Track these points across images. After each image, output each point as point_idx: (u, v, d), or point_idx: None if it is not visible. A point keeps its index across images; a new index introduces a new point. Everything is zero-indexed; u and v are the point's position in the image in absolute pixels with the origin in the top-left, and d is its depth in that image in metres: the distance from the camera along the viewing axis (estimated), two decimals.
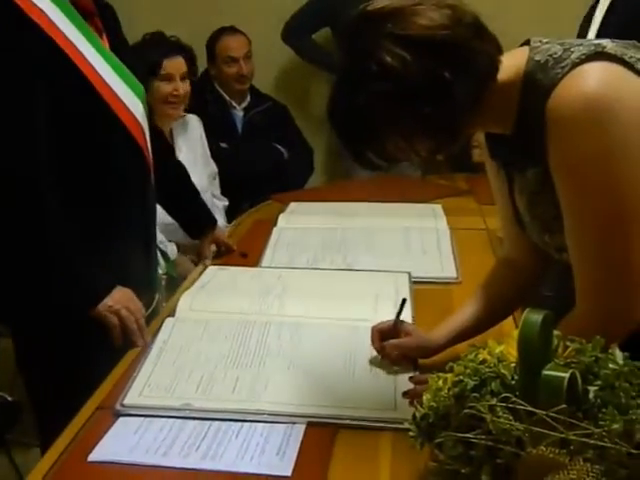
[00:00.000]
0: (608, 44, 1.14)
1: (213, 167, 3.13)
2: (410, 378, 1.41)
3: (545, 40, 1.19)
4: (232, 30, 3.57)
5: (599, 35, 1.93)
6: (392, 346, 1.47)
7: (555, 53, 1.15)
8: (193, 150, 2.95)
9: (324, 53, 3.83)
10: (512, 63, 1.16)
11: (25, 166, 1.54)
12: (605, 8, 1.98)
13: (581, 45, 1.15)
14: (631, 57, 1.13)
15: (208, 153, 3.11)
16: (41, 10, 1.56)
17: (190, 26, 3.54)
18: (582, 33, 2.07)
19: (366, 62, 1.11)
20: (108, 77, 1.65)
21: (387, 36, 1.10)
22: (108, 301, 1.59)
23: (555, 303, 1.58)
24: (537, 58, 1.16)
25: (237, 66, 3.50)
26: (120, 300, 1.61)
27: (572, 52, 1.13)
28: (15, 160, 1.54)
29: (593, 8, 2.05)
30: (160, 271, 2.27)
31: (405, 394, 1.36)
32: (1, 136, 1.54)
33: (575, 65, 1.11)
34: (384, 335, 1.49)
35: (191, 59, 2.93)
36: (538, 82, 1.14)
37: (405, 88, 1.10)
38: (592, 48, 1.13)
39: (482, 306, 1.43)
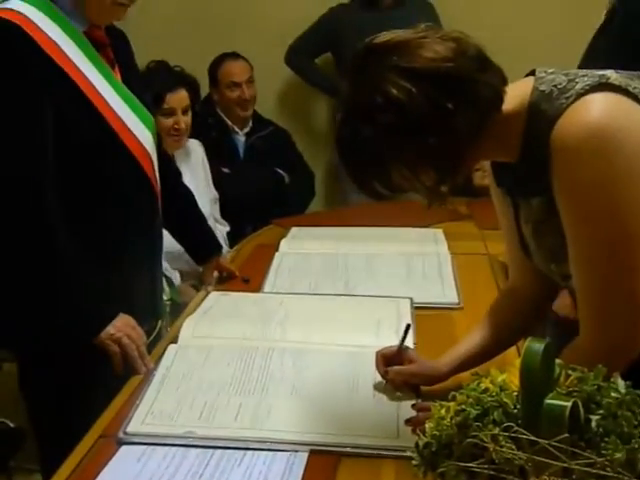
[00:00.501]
0: (612, 75, 1.16)
1: (214, 192, 3.15)
2: (413, 406, 1.41)
3: (550, 70, 1.20)
4: (234, 56, 3.61)
5: (587, 59, 1.92)
6: (395, 372, 1.47)
7: (560, 84, 1.16)
8: (196, 175, 2.97)
9: (326, 77, 3.88)
10: (517, 93, 1.18)
11: (31, 193, 1.56)
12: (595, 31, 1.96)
13: (585, 76, 1.16)
14: (635, 88, 1.14)
15: (210, 178, 3.13)
16: (54, 42, 1.58)
17: (192, 51, 3.57)
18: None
19: (372, 94, 1.12)
20: (118, 108, 1.67)
21: (392, 69, 1.12)
22: (110, 329, 1.60)
23: (557, 330, 1.59)
24: (542, 88, 1.17)
25: (239, 91, 3.53)
26: (122, 328, 1.61)
27: (577, 83, 1.15)
28: (22, 187, 1.55)
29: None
30: (165, 297, 2.27)
31: (408, 422, 1.36)
32: (9, 164, 1.55)
33: (579, 95, 1.13)
34: (388, 360, 1.50)
35: (194, 90, 2.95)
36: (543, 112, 1.15)
37: (410, 120, 1.11)
38: (596, 79, 1.15)
39: (487, 335, 1.43)
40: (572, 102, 1.13)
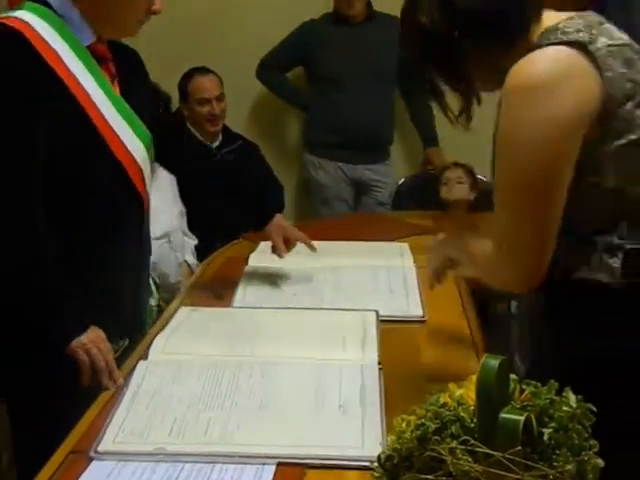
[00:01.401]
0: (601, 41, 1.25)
1: (181, 206, 3.17)
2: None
3: (594, 19, 1.30)
4: (204, 70, 3.62)
5: None
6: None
7: (569, 27, 1.25)
8: (163, 189, 2.99)
9: (297, 91, 3.92)
10: (552, 20, 1.29)
11: (19, 204, 1.58)
12: None
13: (586, 32, 1.25)
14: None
15: (177, 192, 3.15)
16: (54, 50, 1.61)
17: (162, 65, 3.58)
18: None
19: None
20: (111, 118, 1.69)
21: None
22: (82, 338, 1.62)
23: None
24: (563, 25, 1.26)
25: (210, 106, 3.55)
26: (93, 339, 1.63)
27: (567, 32, 1.24)
28: (9, 197, 1.58)
29: None
30: (153, 302, 2.29)
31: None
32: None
33: (552, 44, 1.23)
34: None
35: (166, 105, 2.99)
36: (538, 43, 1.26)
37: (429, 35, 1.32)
38: (586, 38, 1.23)
39: None
40: (546, 45, 1.23)
